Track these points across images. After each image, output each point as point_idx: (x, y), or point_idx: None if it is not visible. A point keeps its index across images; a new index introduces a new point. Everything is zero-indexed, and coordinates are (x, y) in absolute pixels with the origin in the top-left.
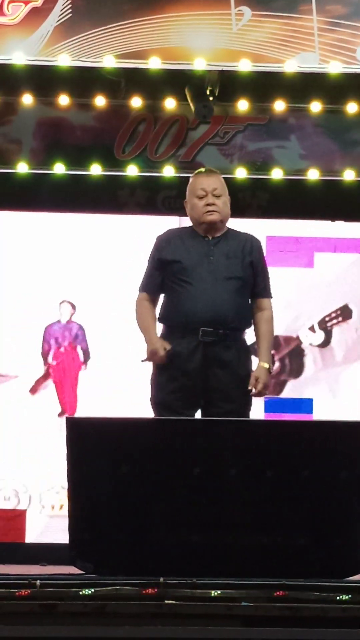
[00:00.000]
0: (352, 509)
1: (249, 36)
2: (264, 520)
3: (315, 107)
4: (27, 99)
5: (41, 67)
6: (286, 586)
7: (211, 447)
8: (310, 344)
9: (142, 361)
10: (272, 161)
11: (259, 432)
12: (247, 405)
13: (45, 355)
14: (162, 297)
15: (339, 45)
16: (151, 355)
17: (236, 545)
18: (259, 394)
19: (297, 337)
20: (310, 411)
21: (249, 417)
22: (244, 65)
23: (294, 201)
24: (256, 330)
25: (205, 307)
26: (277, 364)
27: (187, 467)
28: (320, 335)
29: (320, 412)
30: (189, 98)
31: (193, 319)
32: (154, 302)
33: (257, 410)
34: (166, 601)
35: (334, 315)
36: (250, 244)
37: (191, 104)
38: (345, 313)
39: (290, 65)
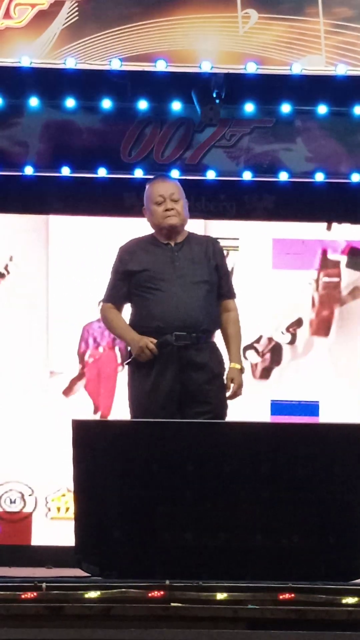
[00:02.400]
0: (359, 511)
1: (256, 39)
2: (270, 522)
3: (322, 109)
4: (34, 102)
5: (47, 70)
6: (292, 589)
7: (217, 450)
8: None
9: (126, 363)
10: (278, 163)
11: (264, 434)
12: (224, 406)
13: (82, 354)
14: (127, 307)
15: (345, 48)
16: (140, 352)
17: (242, 548)
18: (234, 395)
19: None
20: (316, 414)
21: (225, 417)
22: (251, 68)
23: (300, 203)
24: (224, 332)
25: (177, 312)
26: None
27: (193, 470)
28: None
29: (327, 415)
30: (195, 101)
31: (166, 324)
32: (119, 311)
33: (264, 412)
34: (172, 604)
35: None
36: (212, 247)
37: (197, 107)
38: None
39: (297, 68)
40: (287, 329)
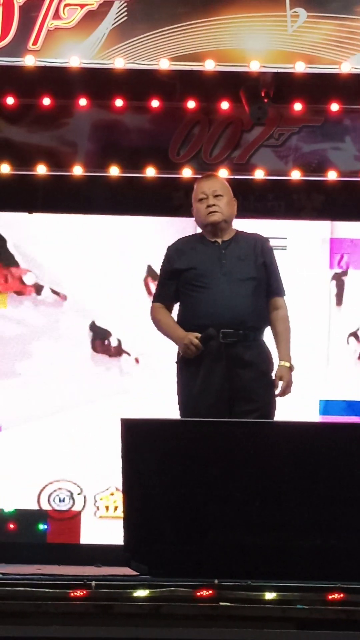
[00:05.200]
0: None
1: (304, 38)
2: (320, 522)
3: None
4: (83, 102)
5: (96, 70)
6: (341, 589)
7: (266, 449)
8: None
9: (175, 362)
10: (327, 163)
11: (314, 434)
12: (272, 404)
13: None
14: (176, 306)
15: None
16: (186, 349)
17: (291, 547)
18: (283, 393)
19: None
20: None
21: (273, 416)
22: (299, 67)
23: (350, 203)
24: (273, 330)
25: (224, 309)
26: None
27: (242, 469)
28: None
29: None
30: (243, 100)
31: (213, 322)
32: (169, 310)
33: (312, 412)
34: (220, 603)
35: None
36: (260, 245)
37: (246, 106)
38: None
39: (346, 67)
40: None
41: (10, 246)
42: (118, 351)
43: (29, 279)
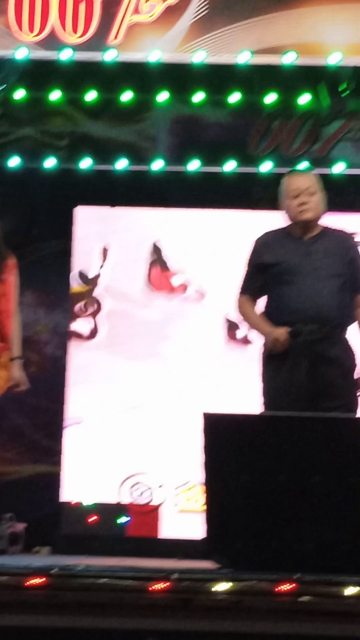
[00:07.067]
0: None
1: None
2: None
3: None
4: (163, 97)
5: (176, 65)
6: None
7: (347, 445)
8: None
9: (262, 356)
10: None
11: None
12: (356, 401)
13: None
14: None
15: None
16: (274, 343)
17: None
18: None
19: None
20: None
21: (357, 412)
22: None
23: None
24: None
25: (310, 306)
26: None
27: (322, 463)
28: None
29: None
30: (323, 93)
31: (298, 318)
32: (254, 303)
33: None
34: (301, 597)
35: None
36: (347, 241)
37: (325, 99)
38: None
39: None
40: None
41: (164, 254)
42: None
43: (177, 280)
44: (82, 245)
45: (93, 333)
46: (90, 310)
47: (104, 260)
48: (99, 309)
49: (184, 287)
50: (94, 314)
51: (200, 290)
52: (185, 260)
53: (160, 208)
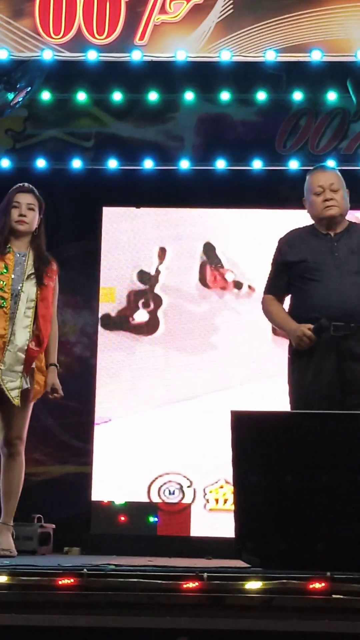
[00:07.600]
0: None
1: None
2: None
3: None
4: (189, 96)
5: (202, 64)
6: None
7: None
8: None
9: (293, 352)
10: None
11: None
12: None
13: None
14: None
15: None
16: (299, 341)
17: None
18: None
19: None
20: None
21: None
22: None
23: None
24: None
25: (335, 302)
26: None
27: (352, 461)
28: None
29: None
30: (350, 90)
31: (323, 315)
32: (280, 302)
33: None
34: (333, 595)
35: None
36: None
37: (353, 97)
38: None
39: None
40: None
41: (218, 252)
42: None
43: (229, 277)
44: (108, 246)
45: (154, 327)
46: (152, 306)
47: (162, 260)
48: (159, 305)
49: (237, 284)
50: (154, 310)
51: (252, 285)
52: (236, 257)
53: (186, 208)
